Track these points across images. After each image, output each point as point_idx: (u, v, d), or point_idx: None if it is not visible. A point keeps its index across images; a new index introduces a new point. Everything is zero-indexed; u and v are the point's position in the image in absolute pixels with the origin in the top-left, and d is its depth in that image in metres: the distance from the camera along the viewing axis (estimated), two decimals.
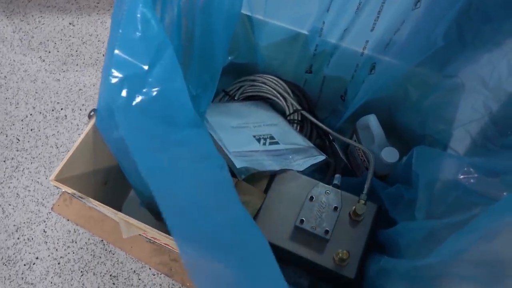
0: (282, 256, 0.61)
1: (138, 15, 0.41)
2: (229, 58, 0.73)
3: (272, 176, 0.64)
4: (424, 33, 0.53)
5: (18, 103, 1.18)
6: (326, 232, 0.58)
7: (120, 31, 0.41)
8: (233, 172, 0.61)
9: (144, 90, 0.48)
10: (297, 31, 0.68)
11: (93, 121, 0.62)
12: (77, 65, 1.23)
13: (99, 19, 1.32)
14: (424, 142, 0.61)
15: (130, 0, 0.41)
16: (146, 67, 0.42)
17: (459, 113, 0.51)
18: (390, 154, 0.66)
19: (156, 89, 0.47)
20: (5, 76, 1.22)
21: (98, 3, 1.36)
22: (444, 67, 0.55)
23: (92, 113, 0.60)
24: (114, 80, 0.49)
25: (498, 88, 0.49)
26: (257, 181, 0.65)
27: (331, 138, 0.77)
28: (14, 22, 1.33)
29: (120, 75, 0.42)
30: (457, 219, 0.44)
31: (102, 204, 0.57)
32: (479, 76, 0.49)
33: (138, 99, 0.47)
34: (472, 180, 0.43)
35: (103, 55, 1.25)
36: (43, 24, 1.32)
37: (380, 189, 0.64)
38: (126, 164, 0.65)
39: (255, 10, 0.69)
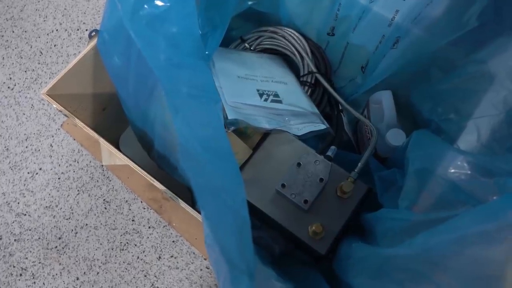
0: (259, 217, 0.60)
1: None
2: (249, 2, 0.68)
3: (265, 134, 0.61)
4: (457, 10, 0.46)
5: (46, 17, 1.18)
6: (305, 202, 0.56)
7: None
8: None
9: (153, 2, 0.44)
10: None
11: (93, 41, 0.60)
12: None
13: None
14: (429, 128, 0.55)
15: None
16: None
17: (475, 105, 0.45)
18: (395, 136, 0.61)
19: (166, 4, 0.44)
20: None
21: None
22: (474, 51, 0.49)
23: (94, 33, 0.58)
24: None
25: None
26: (249, 138, 0.63)
27: (340, 108, 0.72)
28: None
29: None
30: (440, 216, 0.40)
31: (86, 126, 0.57)
32: (509, 67, 0.43)
33: (146, 9, 0.44)
34: (463, 177, 0.39)
35: None
36: None
37: (375, 170, 0.59)
38: (123, 93, 0.63)
39: None
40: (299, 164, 0.58)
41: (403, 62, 0.61)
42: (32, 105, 1.08)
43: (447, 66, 0.54)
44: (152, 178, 0.54)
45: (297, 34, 0.76)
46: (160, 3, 0.41)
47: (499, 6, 0.43)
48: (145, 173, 0.56)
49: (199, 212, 0.50)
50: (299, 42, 0.76)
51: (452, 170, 0.40)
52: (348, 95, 0.78)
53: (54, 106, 0.57)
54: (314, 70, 0.73)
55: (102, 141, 0.56)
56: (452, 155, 0.40)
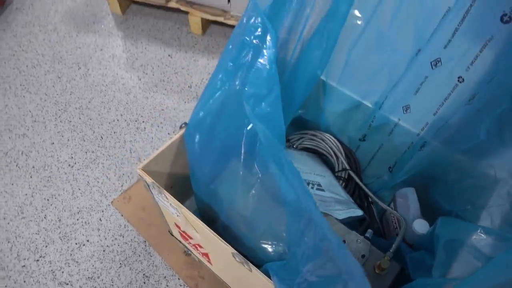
0: None
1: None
2: (299, 111, 0.87)
3: None
4: (471, 127, 0.63)
5: (110, 108, 1.38)
6: None
7: (253, 71, 0.58)
8: None
9: (261, 105, 0.62)
10: (360, 101, 0.81)
11: (181, 132, 0.77)
12: (165, 89, 1.44)
13: (193, 57, 1.55)
14: (450, 216, 0.68)
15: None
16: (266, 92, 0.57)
17: (486, 198, 0.60)
18: (421, 226, 0.73)
19: (268, 109, 0.61)
20: (106, 84, 1.46)
21: (195, 44, 1.60)
22: (482, 157, 0.65)
23: (183, 125, 0.75)
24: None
25: None
26: None
27: (370, 200, 0.86)
28: (126, 44, 1.59)
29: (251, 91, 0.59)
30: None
31: (173, 198, 0.70)
32: (510, 168, 0.58)
33: (257, 109, 0.61)
34: (482, 242, 0.51)
35: (189, 86, 1.46)
36: (148, 50, 1.57)
37: (405, 252, 0.70)
38: (198, 173, 0.78)
39: (331, 77, 0.83)
40: (344, 241, 0.69)
41: (426, 164, 0.76)
42: (88, 182, 1.22)
43: (460, 169, 0.70)
44: (225, 243, 0.65)
45: (333, 138, 0.93)
46: (265, 107, 0.58)
47: (501, 125, 0.61)
48: (219, 237, 0.66)
49: (269, 276, 0.60)
50: (335, 144, 0.93)
51: (475, 238, 0.52)
52: (374, 191, 0.93)
53: (147, 180, 0.71)
54: (347, 167, 0.89)
55: (184, 209, 0.68)
56: (473, 228, 0.53)
